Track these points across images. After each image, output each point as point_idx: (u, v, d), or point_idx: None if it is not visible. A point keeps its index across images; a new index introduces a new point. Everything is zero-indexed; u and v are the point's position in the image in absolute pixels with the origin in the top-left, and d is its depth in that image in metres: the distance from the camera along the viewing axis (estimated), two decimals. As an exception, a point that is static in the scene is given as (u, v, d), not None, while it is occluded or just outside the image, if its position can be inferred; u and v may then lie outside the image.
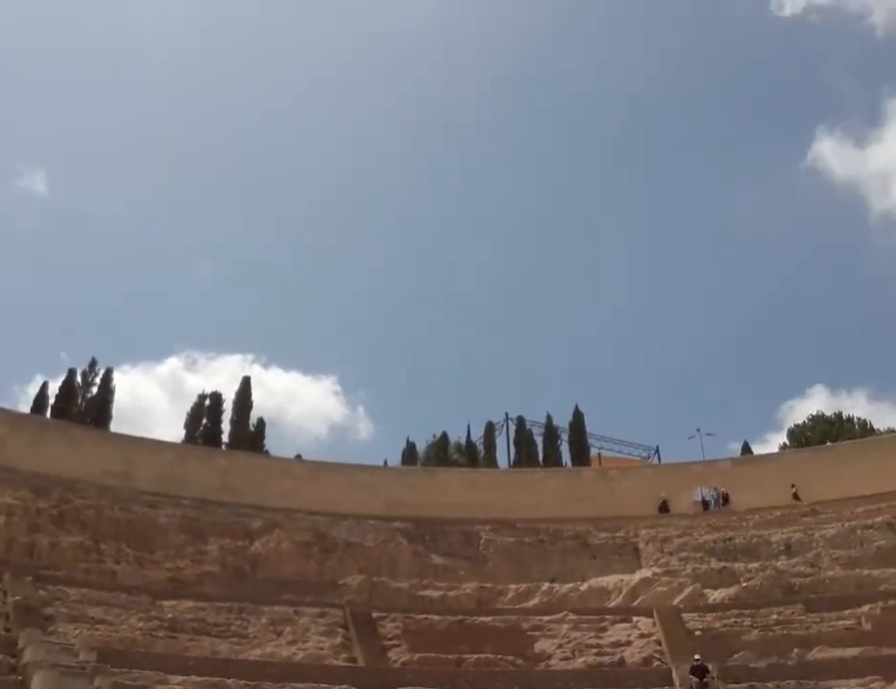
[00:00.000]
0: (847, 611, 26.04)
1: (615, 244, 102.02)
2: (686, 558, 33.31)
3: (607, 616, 27.95)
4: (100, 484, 33.49)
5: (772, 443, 69.06)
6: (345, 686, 21.06)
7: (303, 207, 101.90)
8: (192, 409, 49.94)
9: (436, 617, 27.28)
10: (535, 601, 30.92)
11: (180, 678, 20.20)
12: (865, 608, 25.84)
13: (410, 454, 54.00)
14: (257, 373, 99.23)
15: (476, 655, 24.60)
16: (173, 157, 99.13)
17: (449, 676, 22.80)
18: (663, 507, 38.57)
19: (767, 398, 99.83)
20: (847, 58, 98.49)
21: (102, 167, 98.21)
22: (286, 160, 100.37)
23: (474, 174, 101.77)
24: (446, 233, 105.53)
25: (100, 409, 47.49)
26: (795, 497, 37.26)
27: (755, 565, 31.70)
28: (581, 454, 52.77)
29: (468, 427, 55.51)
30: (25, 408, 46.56)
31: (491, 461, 53.12)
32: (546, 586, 31.90)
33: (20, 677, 18.31)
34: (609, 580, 32.05)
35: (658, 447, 58.05)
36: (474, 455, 53.72)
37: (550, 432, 53.66)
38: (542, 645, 26.10)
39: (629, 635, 26.46)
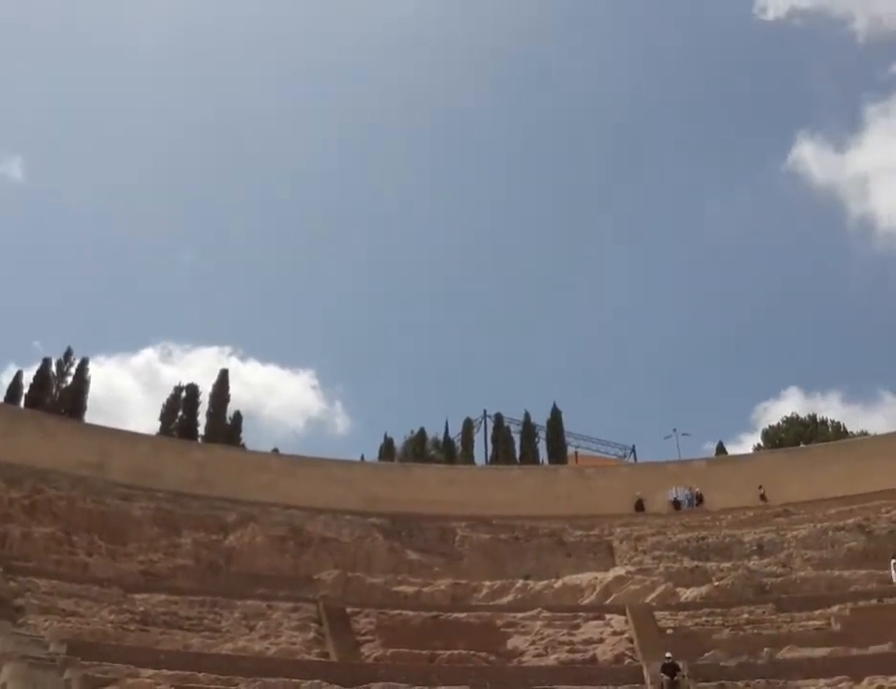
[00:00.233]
0: (818, 612, 26.23)
1: (594, 246, 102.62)
2: (660, 557, 33.52)
3: (580, 614, 28.10)
4: (74, 475, 33.28)
5: (747, 444, 69.94)
6: (317, 681, 20.96)
7: (287, 200, 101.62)
8: (168, 401, 49.67)
9: (410, 613, 27.30)
10: (509, 598, 31.03)
11: (151, 672, 20.07)
12: (835, 608, 26.06)
13: (387, 449, 53.96)
14: (234, 366, 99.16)
15: (449, 652, 24.60)
16: (154, 144, 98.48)
17: (422, 671, 22.74)
18: (639, 506, 38.81)
19: (742, 399, 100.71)
20: (829, 64, 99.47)
21: (80, 154, 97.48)
22: (270, 151, 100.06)
23: (454, 168, 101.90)
24: (426, 230, 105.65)
25: (74, 399, 47.11)
26: (763, 498, 37.72)
27: (728, 564, 31.98)
28: (558, 452, 52.97)
29: (446, 423, 55.67)
30: (-2, 397, 46.12)
31: (469, 458, 53.11)
32: (520, 583, 32.06)
33: (-11, 669, 18.09)
34: (583, 578, 32.22)
35: (634, 446, 58.64)
36: (451, 452, 53.72)
37: (528, 429, 53.75)
38: (515, 642, 26.18)
39: (602, 633, 26.60)
